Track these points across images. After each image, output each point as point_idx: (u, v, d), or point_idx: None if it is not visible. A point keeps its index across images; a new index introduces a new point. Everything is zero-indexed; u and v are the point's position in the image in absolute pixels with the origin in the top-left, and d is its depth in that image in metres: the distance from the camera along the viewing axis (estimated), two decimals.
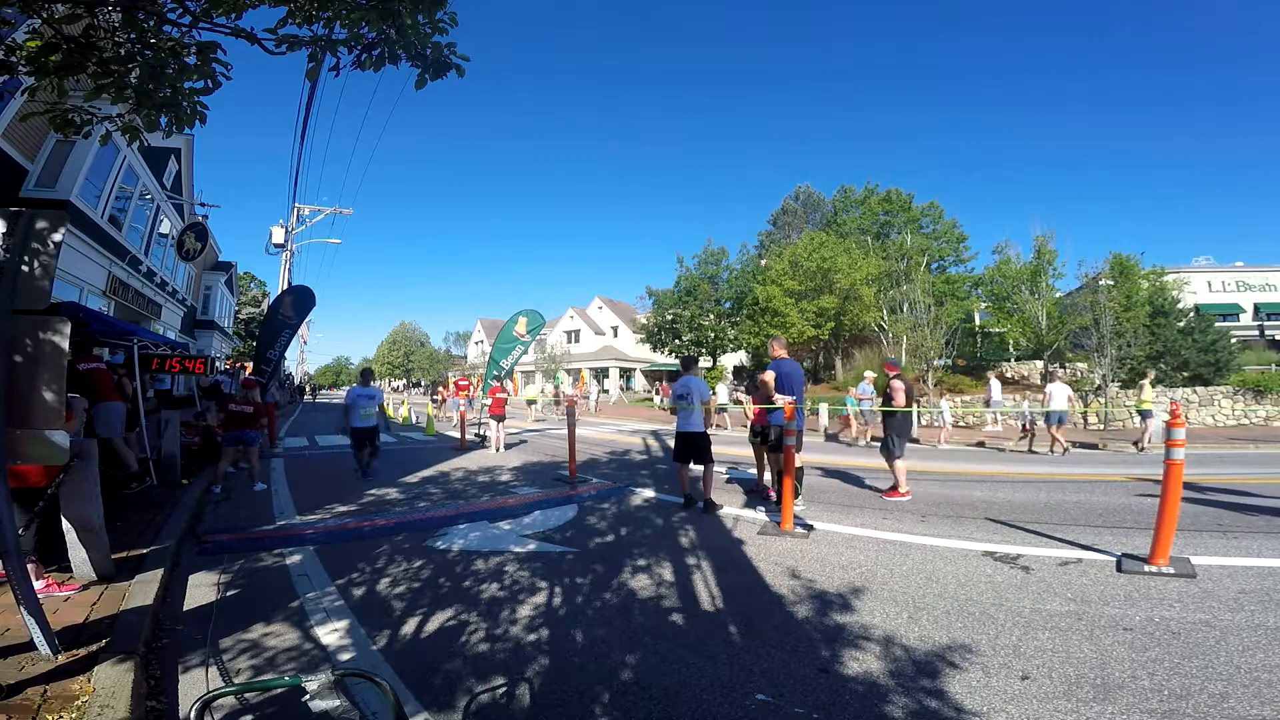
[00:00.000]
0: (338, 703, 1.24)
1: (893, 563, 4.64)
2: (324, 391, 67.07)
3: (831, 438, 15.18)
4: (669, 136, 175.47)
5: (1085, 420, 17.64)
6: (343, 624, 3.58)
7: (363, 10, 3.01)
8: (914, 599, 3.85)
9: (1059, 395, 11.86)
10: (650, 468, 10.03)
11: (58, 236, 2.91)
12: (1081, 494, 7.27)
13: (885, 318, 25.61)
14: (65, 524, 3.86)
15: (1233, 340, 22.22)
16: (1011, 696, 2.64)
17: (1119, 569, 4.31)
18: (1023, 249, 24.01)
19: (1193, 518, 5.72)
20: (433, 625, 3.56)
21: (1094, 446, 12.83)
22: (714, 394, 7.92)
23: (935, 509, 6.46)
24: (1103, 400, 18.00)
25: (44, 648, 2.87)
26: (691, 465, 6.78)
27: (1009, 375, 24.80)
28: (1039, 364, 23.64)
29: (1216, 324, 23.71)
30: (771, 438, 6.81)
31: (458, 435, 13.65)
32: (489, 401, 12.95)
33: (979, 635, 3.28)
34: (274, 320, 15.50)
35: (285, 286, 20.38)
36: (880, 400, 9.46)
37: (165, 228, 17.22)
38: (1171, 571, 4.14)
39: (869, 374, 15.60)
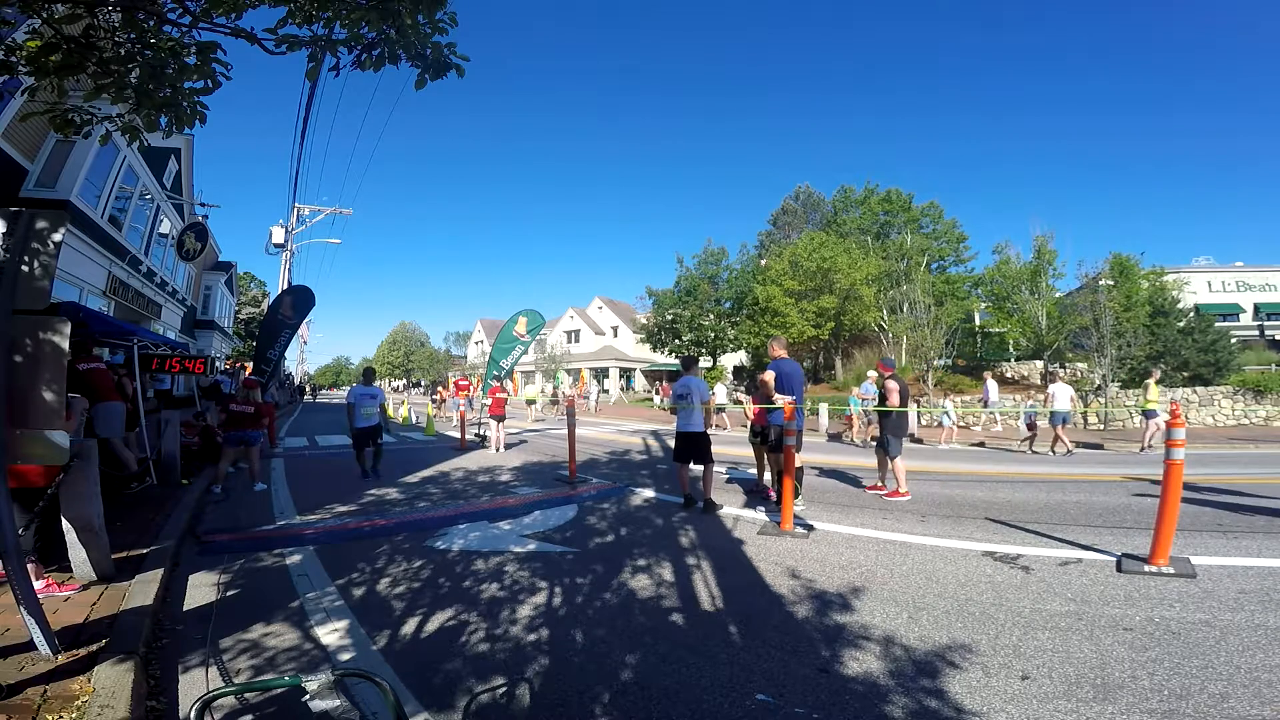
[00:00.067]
0: (338, 703, 1.24)
1: (893, 563, 4.64)
2: (324, 391, 67.07)
3: (834, 438, 15.19)
4: (669, 136, 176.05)
5: (1085, 420, 17.65)
6: (343, 624, 3.58)
7: (363, 10, 3.01)
8: (914, 599, 3.85)
9: (1062, 396, 11.84)
10: (650, 468, 10.03)
11: (58, 236, 2.92)
12: (1081, 494, 7.27)
13: (885, 318, 25.63)
14: (65, 524, 3.86)
15: (1233, 340, 22.20)
16: (1011, 696, 2.64)
17: (1119, 569, 4.31)
18: (1023, 249, 24.12)
19: (1193, 518, 5.73)
20: (433, 625, 3.55)
21: (1097, 447, 12.83)
22: (713, 394, 7.90)
23: (935, 509, 6.46)
24: (1103, 400, 18.01)
25: (44, 648, 2.87)
26: (692, 465, 6.78)
27: (1009, 375, 24.80)
28: (1039, 364, 23.65)
29: (1216, 324, 23.70)
30: (771, 438, 6.81)
31: (458, 435, 13.65)
32: (489, 401, 12.96)
33: (979, 635, 3.28)
34: (274, 320, 15.55)
35: (285, 286, 20.42)
36: (876, 400, 9.47)
37: (165, 228, 17.20)
38: (1171, 571, 4.14)
39: (872, 374, 15.61)
